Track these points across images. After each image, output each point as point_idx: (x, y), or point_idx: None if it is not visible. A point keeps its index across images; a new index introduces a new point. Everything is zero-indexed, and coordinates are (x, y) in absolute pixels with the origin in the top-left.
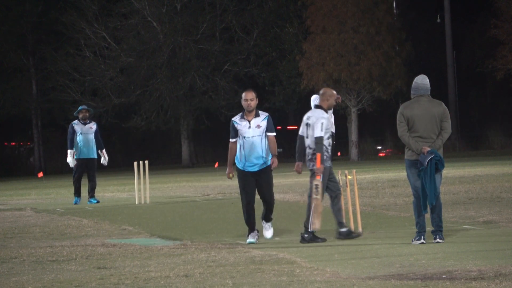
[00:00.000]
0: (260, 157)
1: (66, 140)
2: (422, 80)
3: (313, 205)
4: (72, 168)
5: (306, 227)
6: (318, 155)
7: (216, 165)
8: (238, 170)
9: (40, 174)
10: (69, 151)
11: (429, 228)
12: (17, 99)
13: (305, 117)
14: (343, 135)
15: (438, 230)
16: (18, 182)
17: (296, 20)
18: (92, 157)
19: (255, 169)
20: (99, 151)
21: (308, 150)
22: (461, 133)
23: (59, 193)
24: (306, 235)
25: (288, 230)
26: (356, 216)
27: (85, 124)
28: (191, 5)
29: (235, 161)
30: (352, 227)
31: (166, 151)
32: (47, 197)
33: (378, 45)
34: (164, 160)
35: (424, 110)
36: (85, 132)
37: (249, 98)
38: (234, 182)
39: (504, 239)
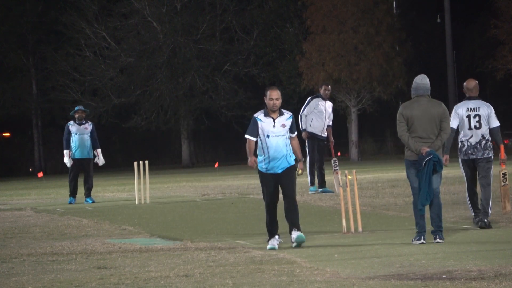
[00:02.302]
0: (284, 157)
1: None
2: (421, 80)
3: (502, 192)
4: (69, 168)
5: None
6: (502, 146)
7: (216, 165)
8: (260, 173)
9: (40, 174)
10: (65, 151)
11: (429, 228)
12: (17, 99)
13: (463, 110)
14: (343, 135)
15: (438, 230)
16: (18, 182)
17: (296, 20)
18: (87, 157)
19: (279, 170)
20: (94, 151)
21: (477, 140)
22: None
23: (59, 193)
24: (486, 221)
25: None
26: (356, 216)
27: (80, 124)
28: (191, 5)
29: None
30: (352, 227)
31: (166, 151)
32: (47, 197)
33: (378, 45)
34: (164, 160)
35: (423, 111)
36: (80, 133)
37: (274, 97)
38: (234, 182)
39: (504, 239)
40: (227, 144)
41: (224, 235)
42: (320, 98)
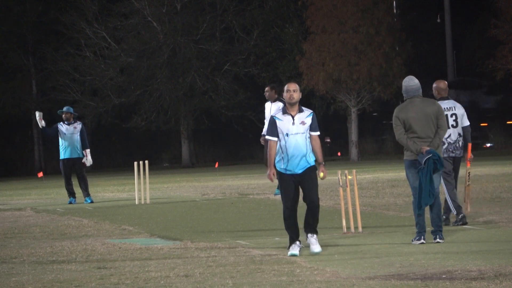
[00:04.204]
0: (304, 157)
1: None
2: (409, 82)
3: (466, 192)
4: (41, 126)
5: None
6: (469, 145)
7: (216, 165)
8: (278, 173)
9: (40, 174)
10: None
11: (429, 228)
12: (17, 99)
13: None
14: (343, 135)
15: (438, 230)
16: (18, 182)
17: (296, 20)
18: (77, 156)
19: (299, 170)
20: (83, 151)
21: (455, 138)
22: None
23: (59, 193)
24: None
25: None
26: (356, 216)
27: (69, 124)
28: (191, 5)
29: (275, 162)
30: (352, 227)
31: (166, 151)
32: (47, 197)
33: (378, 45)
34: (164, 160)
35: (418, 111)
36: (70, 132)
37: (291, 88)
38: (234, 182)
39: (504, 239)
40: (227, 144)
41: (224, 235)
42: (268, 102)
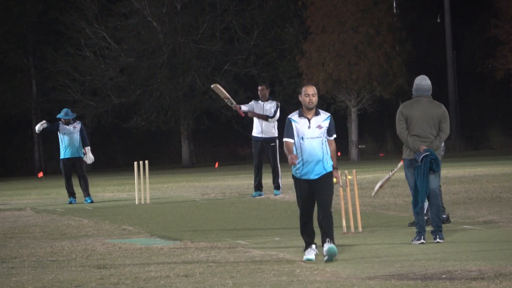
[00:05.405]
0: (320, 162)
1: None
2: (421, 81)
3: (386, 179)
4: (37, 131)
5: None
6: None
7: (216, 165)
8: (294, 178)
9: (40, 174)
10: (44, 122)
11: (429, 228)
12: (17, 99)
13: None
14: (343, 135)
15: (438, 230)
16: (18, 182)
17: (296, 20)
18: (77, 156)
19: (314, 176)
20: (84, 149)
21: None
22: (461, 133)
23: (59, 193)
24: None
25: (288, 230)
26: (356, 216)
27: (68, 124)
28: (191, 5)
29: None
30: (352, 227)
31: (166, 151)
32: (47, 197)
33: (378, 45)
34: (164, 160)
35: (422, 111)
36: (69, 132)
37: (310, 92)
38: (234, 182)
39: (504, 239)
40: (227, 144)
41: (224, 235)
42: (258, 100)
